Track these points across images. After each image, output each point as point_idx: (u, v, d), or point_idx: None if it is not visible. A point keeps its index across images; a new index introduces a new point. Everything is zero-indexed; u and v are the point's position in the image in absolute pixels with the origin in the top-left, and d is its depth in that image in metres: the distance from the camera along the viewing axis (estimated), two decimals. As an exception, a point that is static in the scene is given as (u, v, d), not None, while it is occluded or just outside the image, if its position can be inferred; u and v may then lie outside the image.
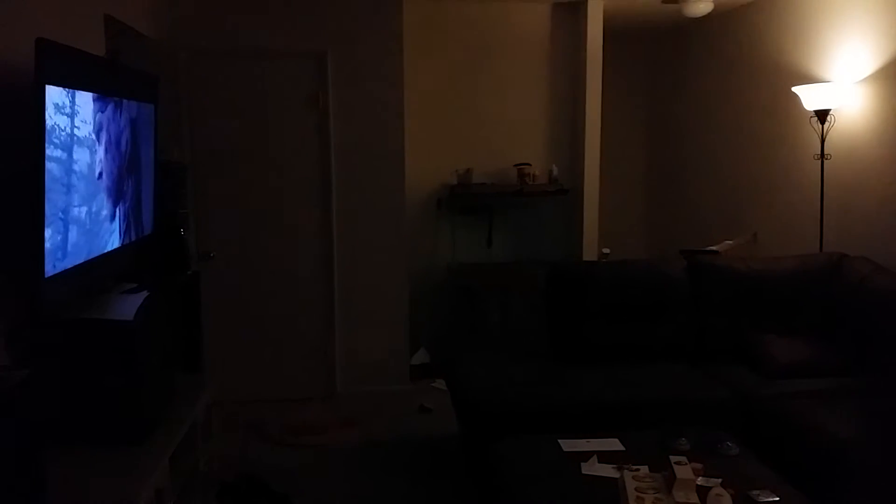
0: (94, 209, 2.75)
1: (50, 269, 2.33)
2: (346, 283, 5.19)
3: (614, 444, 2.99)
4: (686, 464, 2.55)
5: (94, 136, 2.72)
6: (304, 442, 4.42)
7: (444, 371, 4.52)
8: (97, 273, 2.82)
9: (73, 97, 2.50)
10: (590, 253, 5.83)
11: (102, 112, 2.80)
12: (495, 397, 3.62)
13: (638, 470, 2.64)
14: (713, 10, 5.43)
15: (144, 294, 2.87)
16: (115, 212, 2.99)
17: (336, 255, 5.16)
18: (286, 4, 4.95)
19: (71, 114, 2.48)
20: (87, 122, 2.65)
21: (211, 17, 4.87)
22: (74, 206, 2.55)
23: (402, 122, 5.16)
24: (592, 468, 2.77)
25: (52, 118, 2.31)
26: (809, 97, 4.53)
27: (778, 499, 2.51)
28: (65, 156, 2.45)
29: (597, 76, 5.74)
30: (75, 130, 2.52)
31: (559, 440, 3.02)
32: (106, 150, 2.86)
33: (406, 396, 5.15)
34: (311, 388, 5.22)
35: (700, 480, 2.55)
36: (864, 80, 4.38)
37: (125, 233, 3.14)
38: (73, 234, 2.54)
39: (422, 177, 5.70)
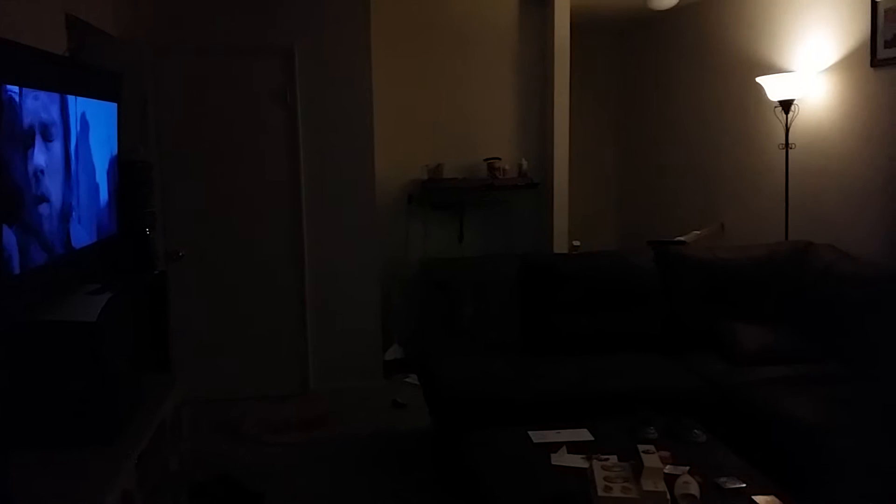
0: (51, 209, 2.71)
1: (8, 270, 2.30)
2: (317, 279, 5.17)
3: (584, 435, 3.00)
4: (654, 452, 2.57)
5: (50, 135, 2.68)
6: (277, 440, 4.40)
7: (417, 366, 4.51)
8: (59, 274, 2.78)
9: (29, 95, 2.46)
10: (560, 245, 5.85)
11: (59, 110, 2.76)
12: (467, 390, 3.63)
13: (607, 459, 2.65)
14: (679, 3, 5.47)
15: (108, 295, 2.83)
16: (72, 212, 2.95)
17: (307, 251, 5.13)
18: None
19: (25, 111, 2.44)
20: (44, 120, 2.61)
21: (176, 14, 4.82)
22: (31, 207, 2.52)
23: (371, 117, 5.14)
24: (562, 459, 2.78)
25: (7, 116, 2.27)
26: (773, 87, 4.57)
27: (745, 485, 2.54)
28: (19, 154, 2.41)
29: (565, 69, 5.76)
30: (30, 128, 2.48)
31: (529, 432, 3.03)
32: (64, 150, 2.81)
33: (379, 392, 5.14)
34: (284, 385, 5.19)
35: (668, 468, 2.57)
36: (827, 69, 4.43)
37: (86, 233, 3.10)
38: (30, 234, 2.50)
39: (392, 172, 5.67)
